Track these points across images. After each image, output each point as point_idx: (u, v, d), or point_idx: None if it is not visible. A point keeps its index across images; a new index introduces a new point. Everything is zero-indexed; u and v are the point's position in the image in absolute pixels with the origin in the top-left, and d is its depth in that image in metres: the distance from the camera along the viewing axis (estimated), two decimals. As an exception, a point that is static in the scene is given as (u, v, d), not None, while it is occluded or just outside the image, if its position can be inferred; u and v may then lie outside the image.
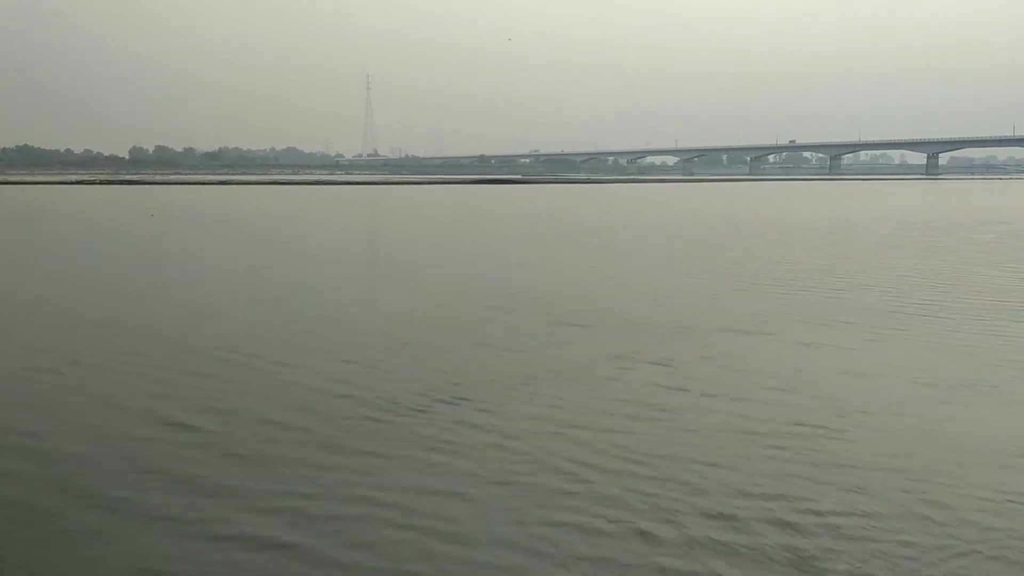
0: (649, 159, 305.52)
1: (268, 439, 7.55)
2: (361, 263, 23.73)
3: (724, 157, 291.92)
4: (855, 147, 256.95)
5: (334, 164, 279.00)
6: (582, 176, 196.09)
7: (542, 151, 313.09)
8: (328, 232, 33.61)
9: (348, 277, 20.22)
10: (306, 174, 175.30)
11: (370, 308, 15.51)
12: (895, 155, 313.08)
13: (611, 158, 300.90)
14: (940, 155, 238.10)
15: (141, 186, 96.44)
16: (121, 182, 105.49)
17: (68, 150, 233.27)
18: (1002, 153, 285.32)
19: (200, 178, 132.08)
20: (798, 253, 24.67)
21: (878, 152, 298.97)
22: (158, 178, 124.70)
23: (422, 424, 7.95)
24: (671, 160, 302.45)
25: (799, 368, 10.23)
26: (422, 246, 27.30)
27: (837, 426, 7.92)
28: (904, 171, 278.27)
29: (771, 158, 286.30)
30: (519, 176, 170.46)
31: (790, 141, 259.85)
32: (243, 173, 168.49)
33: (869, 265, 21.43)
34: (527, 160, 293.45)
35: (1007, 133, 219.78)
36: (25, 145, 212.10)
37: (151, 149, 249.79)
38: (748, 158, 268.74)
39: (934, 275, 19.31)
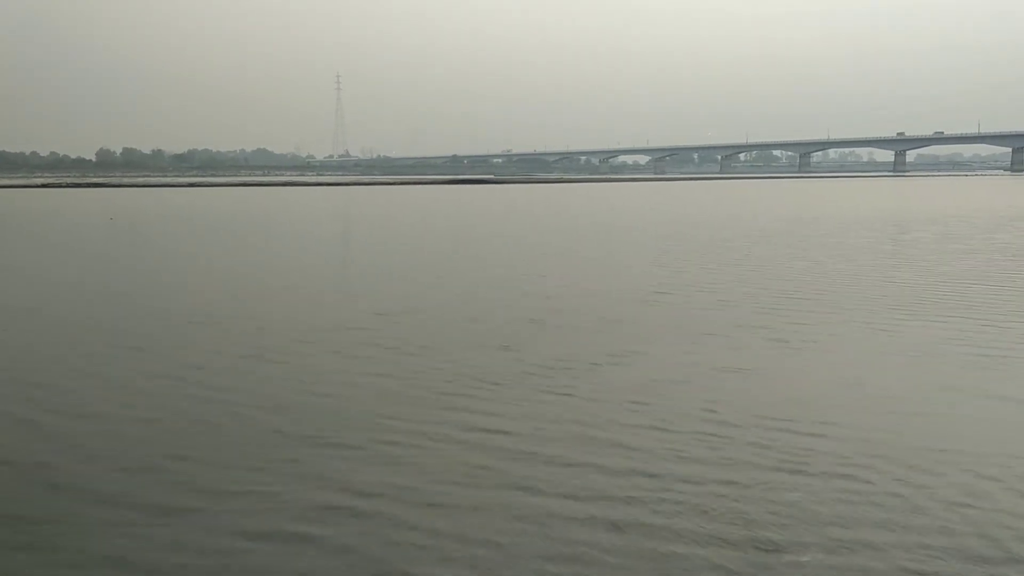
0: (621, 158, 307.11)
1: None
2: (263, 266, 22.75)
3: (695, 156, 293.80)
4: (824, 145, 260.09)
5: (305, 165, 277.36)
6: (555, 176, 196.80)
7: (515, 151, 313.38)
8: (280, 234, 33.62)
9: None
10: (276, 175, 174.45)
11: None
12: (864, 153, 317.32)
13: (583, 157, 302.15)
14: (907, 152, 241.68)
15: (108, 189, 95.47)
16: (88, 185, 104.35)
17: (34, 153, 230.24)
18: (967, 150, 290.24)
19: (169, 180, 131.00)
20: (731, 256, 24.36)
21: (847, 150, 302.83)
22: (126, 181, 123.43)
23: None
24: (643, 159, 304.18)
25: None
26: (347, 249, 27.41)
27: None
28: (872, 168, 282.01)
29: (742, 156, 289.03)
30: (491, 176, 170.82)
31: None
32: (212, 175, 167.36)
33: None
34: (500, 160, 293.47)
35: (972, 131, 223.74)
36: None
37: (119, 151, 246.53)
38: (719, 156, 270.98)
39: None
